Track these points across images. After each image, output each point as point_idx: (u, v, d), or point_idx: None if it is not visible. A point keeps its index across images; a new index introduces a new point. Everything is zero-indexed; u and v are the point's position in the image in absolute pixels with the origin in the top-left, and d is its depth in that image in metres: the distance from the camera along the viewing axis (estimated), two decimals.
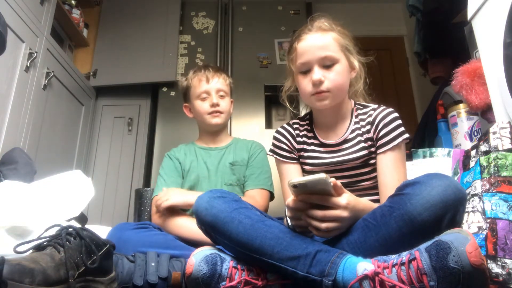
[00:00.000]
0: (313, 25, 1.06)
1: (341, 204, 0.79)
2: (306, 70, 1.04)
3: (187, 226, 1.20)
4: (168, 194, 1.25)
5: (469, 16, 1.37)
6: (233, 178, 1.41)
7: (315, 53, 1.02)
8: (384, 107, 1.08)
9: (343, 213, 0.79)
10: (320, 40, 1.03)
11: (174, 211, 1.26)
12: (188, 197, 1.23)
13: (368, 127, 1.07)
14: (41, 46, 1.88)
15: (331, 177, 0.77)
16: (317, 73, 1.01)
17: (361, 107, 1.12)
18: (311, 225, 0.81)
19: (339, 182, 0.80)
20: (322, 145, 1.12)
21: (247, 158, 1.45)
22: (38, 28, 1.86)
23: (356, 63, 1.09)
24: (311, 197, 0.80)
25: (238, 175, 1.41)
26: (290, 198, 0.83)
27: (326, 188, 0.78)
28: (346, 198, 0.80)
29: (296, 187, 0.79)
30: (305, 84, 1.04)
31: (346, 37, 1.07)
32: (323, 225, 0.79)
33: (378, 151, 1.03)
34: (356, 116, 1.11)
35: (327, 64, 1.02)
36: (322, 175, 0.75)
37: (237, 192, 1.37)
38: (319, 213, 0.79)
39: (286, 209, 0.90)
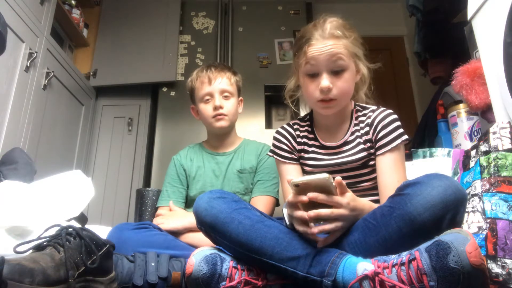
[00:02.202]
0: (325, 30, 1.00)
1: (343, 203, 0.79)
2: (314, 74, 1.02)
3: (197, 238, 1.17)
4: (166, 218, 1.27)
5: (469, 16, 1.37)
6: (240, 187, 1.38)
7: (326, 61, 0.99)
8: (383, 108, 1.08)
9: (346, 212, 0.79)
10: (332, 49, 0.99)
11: None
12: (185, 221, 1.23)
13: (367, 128, 1.07)
14: (41, 46, 1.88)
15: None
16: (326, 80, 0.99)
17: (360, 108, 1.12)
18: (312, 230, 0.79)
19: (343, 182, 0.79)
20: (322, 147, 1.12)
21: (256, 164, 1.41)
22: (38, 28, 1.86)
23: (364, 69, 1.07)
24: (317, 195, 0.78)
25: (246, 183, 1.38)
26: (291, 195, 0.82)
27: (328, 187, 0.78)
28: (348, 197, 0.80)
29: (297, 186, 0.78)
30: (312, 89, 1.02)
31: (357, 44, 1.04)
32: (327, 226, 0.79)
33: (377, 153, 1.03)
34: (356, 118, 1.10)
35: (336, 70, 1.00)
36: (324, 175, 0.75)
37: (245, 201, 1.35)
38: (326, 211, 0.78)
39: (285, 209, 0.90)
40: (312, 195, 0.77)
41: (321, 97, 1.01)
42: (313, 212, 0.77)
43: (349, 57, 1.01)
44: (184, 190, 1.41)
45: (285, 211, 0.90)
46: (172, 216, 1.30)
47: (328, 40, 0.99)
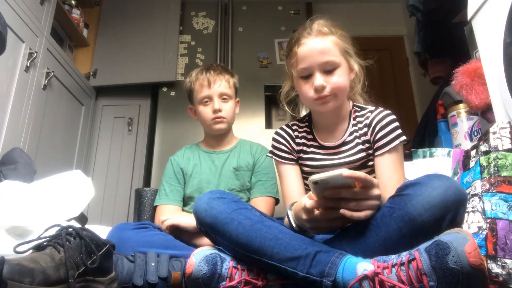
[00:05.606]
0: (313, 29, 1.04)
1: (375, 193, 0.78)
2: (307, 75, 1.03)
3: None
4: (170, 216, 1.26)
5: (469, 16, 1.37)
6: (236, 184, 1.39)
7: (316, 58, 1.00)
8: (381, 109, 1.08)
9: (377, 202, 0.79)
10: (320, 45, 1.01)
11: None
12: (190, 219, 1.20)
13: (365, 129, 1.07)
14: (41, 46, 1.88)
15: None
16: (319, 79, 1.00)
17: (359, 109, 1.12)
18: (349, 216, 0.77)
19: (362, 174, 0.76)
20: (321, 147, 1.11)
21: (252, 163, 1.43)
22: (38, 28, 1.86)
23: (355, 66, 1.08)
24: (340, 191, 0.78)
25: (242, 180, 1.40)
26: (308, 201, 0.81)
27: (348, 182, 0.76)
28: (378, 188, 0.79)
29: (317, 184, 0.77)
30: (307, 89, 1.03)
31: (345, 40, 1.06)
32: (362, 213, 0.77)
33: (376, 154, 1.03)
34: (354, 118, 1.10)
35: (329, 69, 1.01)
36: (340, 171, 0.73)
37: (241, 198, 1.34)
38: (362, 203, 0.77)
39: (290, 211, 0.89)
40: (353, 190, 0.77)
41: (316, 95, 1.01)
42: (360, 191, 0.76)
43: (339, 53, 1.03)
44: (181, 189, 1.42)
45: (290, 213, 0.90)
46: (176, 214, 1.30)
47: (315, 37, 1.03)
